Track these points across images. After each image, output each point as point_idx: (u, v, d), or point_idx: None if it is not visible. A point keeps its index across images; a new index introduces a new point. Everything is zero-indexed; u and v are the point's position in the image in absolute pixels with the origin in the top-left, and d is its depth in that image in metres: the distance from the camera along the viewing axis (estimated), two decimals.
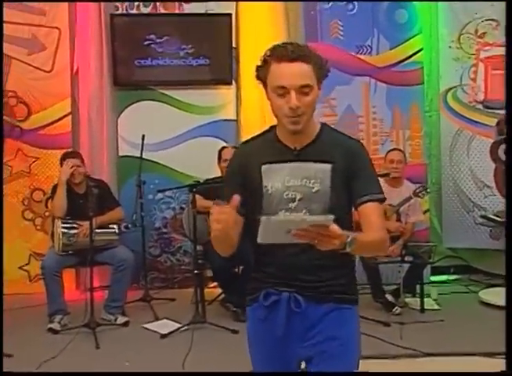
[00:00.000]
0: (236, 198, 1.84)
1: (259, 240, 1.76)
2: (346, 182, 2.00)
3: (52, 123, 5.67)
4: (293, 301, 2.02)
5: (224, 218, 1.80)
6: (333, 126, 2.14)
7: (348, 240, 1.78)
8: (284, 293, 2.02)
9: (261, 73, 1.98)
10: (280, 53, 1.93)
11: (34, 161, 5.69)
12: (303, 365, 2.08)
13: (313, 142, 2.03)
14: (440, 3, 5.97)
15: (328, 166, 1.99)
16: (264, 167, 2.02)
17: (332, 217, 1.72)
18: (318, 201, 1.98)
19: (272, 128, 2.09)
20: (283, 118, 1.96)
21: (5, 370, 3.62)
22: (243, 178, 2.06)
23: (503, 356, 3.76)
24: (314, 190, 1.98)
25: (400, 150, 5.46)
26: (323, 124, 2.10)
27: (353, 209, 2.06)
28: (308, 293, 2.01)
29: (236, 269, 4.95)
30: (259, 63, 1.99)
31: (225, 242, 1.97)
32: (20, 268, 5.69)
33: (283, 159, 2.02)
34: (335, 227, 1.73)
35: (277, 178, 2.01)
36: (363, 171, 2.02)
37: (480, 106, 5.89)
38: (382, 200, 2.04)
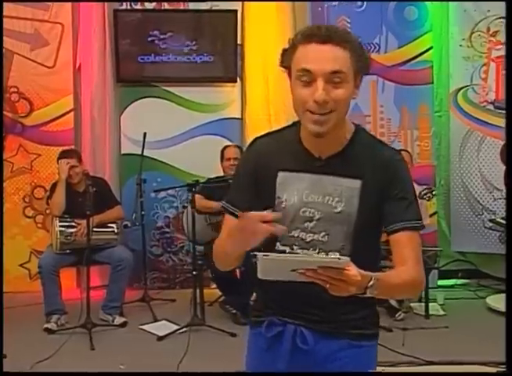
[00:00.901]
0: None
1: (260, 275, 1.51)
2: (378, 204, 1.66)
3: (55, 119, 5.61)
4: (299, 336, 1.73)
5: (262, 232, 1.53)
6: None
7: (370, 284, 1.49)
8: (289, 325, 1.74)
9: (286, 57, 1.61)
10: (311, 32, 1.56)
11: (35, 158, 5.63)
12: None
13: (343, 150, 1.68)
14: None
15: (358, 182, 1.66)
16: (281, 174, 1.70)
17: (347, 259, 1.44)
18: (340, 224, 1.67)
19: (296, 123, 1.72)
20: (304, 115, 1.59)
21: None
22: (254, 183, 1.74)
23: (499, 366, 3.70)
24: (337, 211, 1.67)
25: (405, 150, 5.34)
26: (359, 128, 1.73)
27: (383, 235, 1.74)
28: (316, 327, 1.72)
29: (236, 272, 4.86)
30: (285, 47, 1.62)
31: (236, 258, 1.72)
32: (21, 265, 5.64)
33: (303, 168, 1.68)
34: (353, 272, 1.44)
35: (294, 190, 1.69)
36: (399, 192, 1.66)
37: (491, 107, 5.76)
38: (420, 229, 1.69)
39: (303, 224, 1.69)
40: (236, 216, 1.73)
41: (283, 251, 1.71)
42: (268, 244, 1.69)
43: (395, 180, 1.67)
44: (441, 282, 5.73)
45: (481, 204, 5.83)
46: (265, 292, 1.81)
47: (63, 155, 4.85)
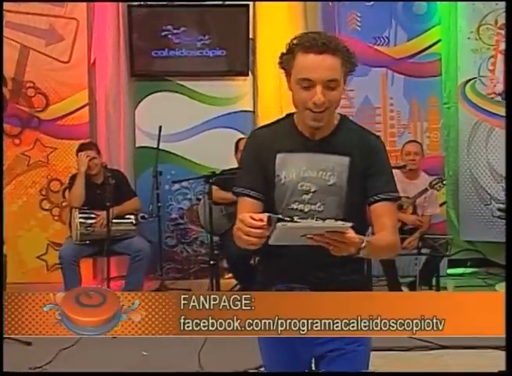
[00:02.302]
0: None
1: (271, 242, 1.72)
2: (363, 178, 1.93)
3: (70, 113, 5.68)
4: None
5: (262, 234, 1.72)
6: (350, 117, 2.07)
7: (363, 245, 1.75)
8: (296, 289, 1.94)
9: (286, 62, 1.89)
10: (308, 43, 1.84)
11: (51, 152, 5.71)
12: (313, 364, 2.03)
13: (332, 133, 1.95)
14: None
15: (346, 159, 1.92)
16: (279, 155, 1.95)
17: (349, 224, 1.69)
18: (333, 195, 1.92)
19: (289, 115, 2.00)
20: (305, 113, 1.87)
21: (24, 358, 3.66)
22: (258, 164, 1.97)
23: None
24: (330, 183, 1.92)
25: (417, 141, 5.44)
26: (343, 116, 2.01)
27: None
28: (319, 289, 1.90)
29: (252, 261, 4.96)
30: (284, 51, 1.90)
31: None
32: (38, 257, 5.73)
33: (299, 148, 1.94)
34: (352, 235, 1.70)
35: (292, 168, 1.93)
36: (380, 168, 1.95)
37: (499, 98, 5.84)
38: (396, 200, 1.99)
39: (301, 197, 1.93)
40: (251, 197, 1.96)
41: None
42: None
43: (376, 158, 1.96)
44: (450, 271, 5.83)
45: (489, 194, 5.93)
46: (274, 262, 1.99)
47: (83, 147, 4.96)
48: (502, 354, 3.71)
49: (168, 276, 5.72)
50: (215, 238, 4.94)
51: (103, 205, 4.62)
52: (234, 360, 3.80)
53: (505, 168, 4.88)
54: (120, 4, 5.67)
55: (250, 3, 5.78)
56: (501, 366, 3.42)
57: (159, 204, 5.33)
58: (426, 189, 5.05)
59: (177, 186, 5.77)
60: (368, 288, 2.12)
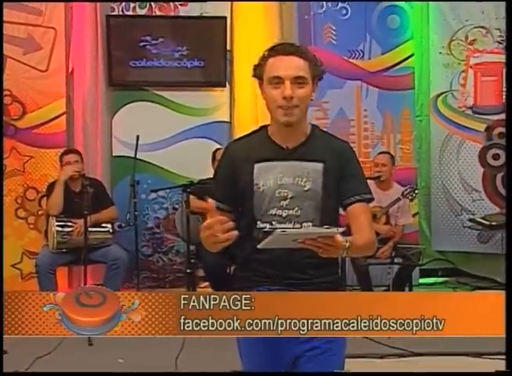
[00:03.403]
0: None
1: (261, 246, 1.82)
2: (336, 182, 2.05)
3: (47, 122, 5.67)
4: None
5: (230, 234, 1.85)
6: (325, 129, 2.23)
7: (347, 246, 1.87)
8: (275, 291, 2.02)
9: (258, 70, 2.05)
10: (277, 48, 2.03)
11: (28, 160, 5.69)
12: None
13: (305, 142, 2.07)
14: (431, 8, 6.04)
15: (320, 165, 2.04)
16: (257, 165, 2.05)
17: (342, 229, 1.82)
18: (309, 200, 2.03)
19: (262, 127, 2.13)
20: (275, 110, 2.00)
21: None
22: (233, 177, 2.08)
23: (489, 357, 3.88)
24: (306, 189, 2.03)
25: (387, 152, 5.53)
26: (314, 126, 2.14)
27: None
28: (299, 291, 2.00)
29: (228, 269, 5.00)
30: (256, 62, 2.06)
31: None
32: (13, 266, 5.69)
33: (275, 157, 2.05)
34: (339, 238, 1.83)
35: (269, 176, 2.04)
36: (351, 172, 2.07)
37: (469, 112, 5.98)
38: (370, 200, 2.10)
39: (279, 203, 2.05)
40: (221, 209, 2.11)
41: (263, 228, 2.05)
42: (249, 224, 2.05)
43: (348, 162, 2.08)
44: (422, 280, 5.93)
45: (460, 205, 6.05)
46: (255, 266, 2.08)
47: (69, 151, 4.99)
48: (474, 360, 3.86)
49: (144, 285, 5.73)
50: (192, 247, 4.97)
51: (81, 213, 4.62)
52: (211, 365, 3.85)
53: (505, 168, 4.98)
54: (99, 13, 5.68)
55: (228, 14, 5.84)
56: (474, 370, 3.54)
57: (136, 213, 5.35)
58: (398, 199, 5.14)
59: (153, 195, 5.79)
60: (343, 289, 2.19)
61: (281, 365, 2.07)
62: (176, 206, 5.71)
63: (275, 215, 2.04)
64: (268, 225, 2.04)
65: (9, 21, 5.57)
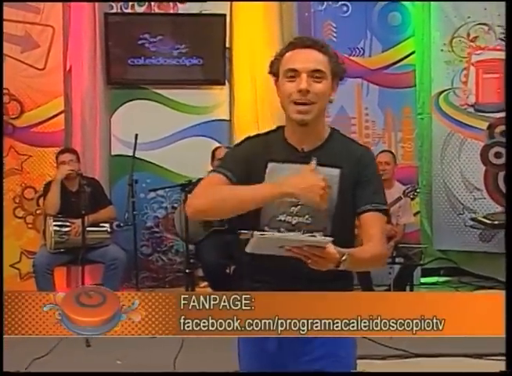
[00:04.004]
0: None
1: (248, 250, 1.72)
2: (352, 190, 1.92)
3: (45, 121, 5.64)
4: None
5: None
6: None
7: (343, 258, 1.73)
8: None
9: (275, 65, 1.93)
10: (295, 41, 1.91)
11: (26, 159, 5.66)
12: None
13: (322, 145, 1.95)
14: (433, 6, 6.00)
15: (336, 171, 1.91)
16: (270, 164, 1.94)
17: (329, 239, 1.68)
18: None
19: (279, 128, 2.01)
20: (289, 106, 1.88)
21: None
22: (246, 170, 1.95)
23: (490, 358, 3.84)
24: None
25: (389, 151, 5.49)
26: (333, 129, 2.01)
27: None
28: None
29: (228, 269, 4.97)
30: (273, 57, 1.95)
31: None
32: (11, 266, 5.66)
33: (289, 159, 1.93)
34: (331, 249, 1.68)
35: (281, 179, 1.90)
36: (369, 180, 1.94)
37: (471, 110, 5.93)
38: (385, 211, 1.96)
39: (289, 208, 1.92)
40: (227, 177, 1.93)
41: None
42: (255, 228, 1.86)
43: (366, 170, 1.94)
44: (423, 279, 5.89)
45: (462, 204, 6.01)
46: (254, 276, 1.97)
47: (65, 150, 4.96)
48: (476, 362, 3.83)
49: (143, 285, 5.70)
50: (191, 247, 4.94)
51: (78, 213, 4.59)
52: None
53: (505, 170, 4.94)
54: (97, 11, 5.64)
55: (227, 12, 5.80)
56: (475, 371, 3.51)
57: (134, 213, 5.31)
58: (400, 198, 5.09)
59: (152, 194, 5.76)
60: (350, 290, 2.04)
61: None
62: (175, 205, 5.68)
63: (283, 221, 1.92)
64: (275, 232, 1.88)
65: (7, 19, 5.53)
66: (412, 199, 5.27)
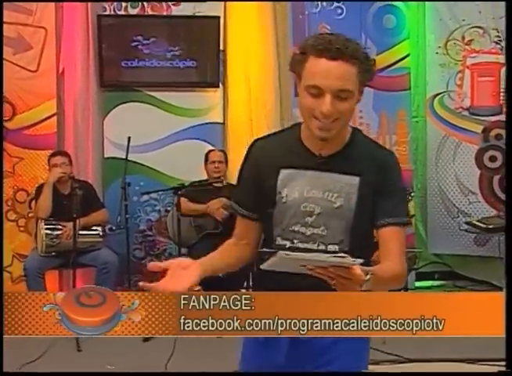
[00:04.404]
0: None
1: (263, 267, 1.63)
2: (372, 199, 1.78)
3: (38, 123, 5.59)
4: None
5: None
6: None
7: (367, 278, 1.58)
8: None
9: (297, 65, 1.72)
10: (322, 46, 1.65)
11: (18, 162, 5.61)
12: None
13: (342, 150, 1.79)
14: (428, 8, 5.98)
15: (356, 179, 1.77)
16: (283, 171, 1.80)
17: (360, 261, 1.54)
18: (339, 218, 1.78)
19: (295, 126, 1.85)
20: (311, 121, 1.70)
21: None
22: (258, 180, 1.83)
23: (485, 363, 3.83)
24: (336, 205, 1.77)
25: None
26: (355, 130, 1.86)
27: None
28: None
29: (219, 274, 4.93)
30: (296, 52, 1.73)
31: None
32: (3, 269, 5.62)
33: (304, 165, 1.78)
34: (358, 271, 1.53)
35: (296, 186, 1.79)
36: (391, 189, 1.78)
37: (466, 113, 5.91)
38: (406, 224, 1.82)
39: (303, 219, 1.79)
40: (243, 215, 1.87)
41: (284, 245, 1.82)
42: (268, 239, 1.83)
43: (389, 177, 1.79)
44: (418, 283, 5.86)
45: (456, 207, 5.99)
46: (263, 284, 1.88)
47: (57, 153, 4.89)
48: (472, 367, 3.82)
49: (136, 288, 5.65)
50: (183, 250, 4.90)
51: (70, 216, 4.56)
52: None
53: (505, 172, 4.93)
54: (90, 13, 5.61)
55: (221, 14, 5.77)
56: None
57: (127, 216, 5.27)
58: None
59: (146, 197, 5.72)
60: None
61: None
62: (168, 208, 5.64)
63: (297, 231, 1.80)
64: (288, 243, 1.81)
65: None
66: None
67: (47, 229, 4.73)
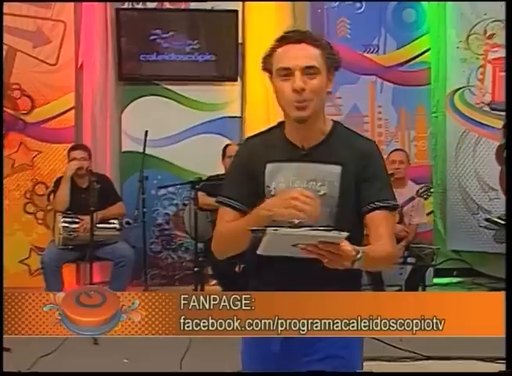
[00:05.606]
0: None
1: (259, 251, 1.67)
2: (356, 186, 1.85)
3: (56, 117, 5.63)
4: None
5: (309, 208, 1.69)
6: None
7: (358, 256, 1.65)
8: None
9: (267, 62, 1.86)
10: (285, 35, 1.83)
11: (36, 155, 5.65)
12: None
13: (323, 141, 1.88)
14: (448, 2, 5.92)
15: (338, 168, 1.85)
16: (269, 165, 1.90)
17: (345, 234, 1.60)
18: (324, 206, 1.84)
19: (280, 124, 1.94)
20: (286, 105, 1.82)
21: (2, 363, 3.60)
22: (247, 176, 1.93)
23: (503, 361, 3.77)
24: (320, 194, 1.84)
25: (403, 150, 5.44)
26: (336, 122, 1.95)
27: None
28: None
29: (237, 268, 4.93)
30: (265, 53, 1.87)
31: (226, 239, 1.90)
32: (21, 262, 5.66)
33: (289, 158, 1.88)
34: (347, 246, 1.61)
35: (282, 178, 1.88)
36: (374, 175, 1.86)
37: (487, 108, 5.85)
38: (394, 208, 1.88)
39: None
40: (234, 208, 1.92)
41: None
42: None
43: (371, 164, 1.87)
44: (436, 280, 5.82)
45: (476, 204, 5.92)
46: (260, 275, 1.94)
47: (76, 147, 4.93)
48: (488, 365, 3.77)
49: (152, 282, 5.67)
50: (200, 245, 4.90)
51: (88, 210, 4.57)
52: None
53: (505, 174, 4.88)
54: (108, 7, 5.62)
55: (240, 8, 5.75)
56: None
57: (144, 210, 5.27)
58: (413, 198, 5.04)
59: (163, 191, 5.73)
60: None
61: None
62: (186, 202, 5.64)
63: (286, 221, 1.81)
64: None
65: (19, 14, 5.53)
66: (426, 199, 5.21)
67: (64, 222, 4.75)
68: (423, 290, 5.06)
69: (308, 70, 1.79)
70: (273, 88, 1.86)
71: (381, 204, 1.84)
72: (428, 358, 3.95)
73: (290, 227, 1.72)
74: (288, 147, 1.89)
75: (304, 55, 1.80)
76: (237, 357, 2.11)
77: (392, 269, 5.14)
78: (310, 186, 1.85)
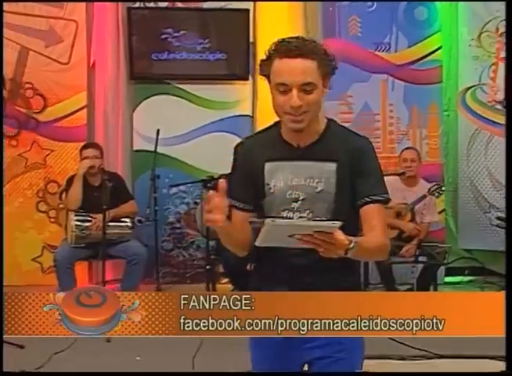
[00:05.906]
0: (222, 182, 1.81)
1: (258, 242, 1.73)
2: (351, 182, 1.93)
3: (68, 115, 5.67)
4: None
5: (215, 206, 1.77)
6: (349, 124, 2.09)
7: (351, 246, 1.73)
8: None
9: (265, 68, 1.91)
10: (283, 48, 1.86)
11: (49, 153, 5.69)
12: (305, 367, 2.02)
13: (318, 140, 1.96)
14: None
15: (333, 165, 1.93)
16: (267, 164, 1.97)
17: (338, 223, 1.68)
18: (321, 201, 1.93)
19: (277, 123, 2.01)
20: (284, 116, 1.89)
21: (16, 360, 3.63)
22: (248, 176, 2.00)
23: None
24: (317, 190, 1.93)
25: (414, 148, 5.43)
26: (330, 120, 2.02)
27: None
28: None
29: (248, 266, 4.93)
30: (263, 58, 1.92)
31: (229, 237, 1.94)
32: (33, 259, 5.70)
33: (286, 157, 1.96)
34: (340, 236, 1.68)
35: (280, 177, 1.95)
36: (367, 170, 1.94)
37: (499, 106, 5.81)
38: (386, 201, 1.96)
39: (290, 205, 1.95)
40: (240, 209, 2.01)
41: None
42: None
43: (363, 160, 1.95)
44: (448, 279, 5.80)
45: (488, 202, 5.90)
46: (262, 267, 2.02)
47: (88, 146, 4.95)
48: (499, 364, 3.76)
49: (164, 280, 5.69)
50: (212, 243, 4.91)
51: (100, 208, 4.60)
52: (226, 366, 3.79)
53: (505, 175, 4.86)
54: (120, 6, 5.65)
55: (251, 7, 5.75)
56: None
57: (156, 208, 5.30)
58: (424, 196, 5.03)
59: (175, 189, 5.75)
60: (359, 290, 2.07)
61: (289, 368, 2.01)
62: (197, 200, 5.66)
63: (286, 217, 1.95)
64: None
65: (31, 14, 5.57)
66: (437, 197, 5.21)
67: (77, 220, 4.78)
68: (435, 288, 5.05)
69: (305, 87, 1.84)
70: (271, 94, 1.92)
71: (374, 198, 1.93)
72: (439, 356, 3.94)
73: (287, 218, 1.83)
74: (285, 147, 1.97)
75: (300, 71, 1.84)
76: (244, 357, 2.13)
77: (403, 267, 5.15)
78: (307, 183, 1.93)
